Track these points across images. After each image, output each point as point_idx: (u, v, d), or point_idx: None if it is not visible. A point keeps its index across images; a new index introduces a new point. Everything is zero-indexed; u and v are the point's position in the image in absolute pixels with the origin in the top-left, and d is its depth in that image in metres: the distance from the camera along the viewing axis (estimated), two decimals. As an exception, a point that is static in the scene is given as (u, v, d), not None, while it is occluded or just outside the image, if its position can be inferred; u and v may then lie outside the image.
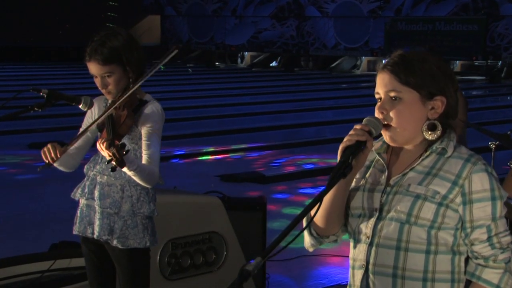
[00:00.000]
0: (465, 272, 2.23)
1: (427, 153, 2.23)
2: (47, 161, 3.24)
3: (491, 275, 2.18)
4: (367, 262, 2.23)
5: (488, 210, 2.16)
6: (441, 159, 2.21)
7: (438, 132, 2.21)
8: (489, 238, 2.17)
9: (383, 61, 2.29)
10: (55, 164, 3.31)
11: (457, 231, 2.18)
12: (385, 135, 2.23)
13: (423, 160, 2.23)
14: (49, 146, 3.23)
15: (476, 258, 2.20)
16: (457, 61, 26.04)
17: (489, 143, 4.72)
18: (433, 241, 2.17)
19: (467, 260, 2.23)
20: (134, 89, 3.28)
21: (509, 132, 4.55)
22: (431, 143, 2.23)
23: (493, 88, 23.25)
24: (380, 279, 2.20)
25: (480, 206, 2.16)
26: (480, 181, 2.16)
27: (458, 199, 2.16)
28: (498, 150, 4.74)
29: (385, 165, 2.28)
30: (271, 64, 30.43)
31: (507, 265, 2.19)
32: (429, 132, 2.21)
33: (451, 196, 2.16)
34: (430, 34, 25.44)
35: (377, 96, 2.24)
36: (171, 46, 31.88)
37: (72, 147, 3.41)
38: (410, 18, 26.30)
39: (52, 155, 3.22)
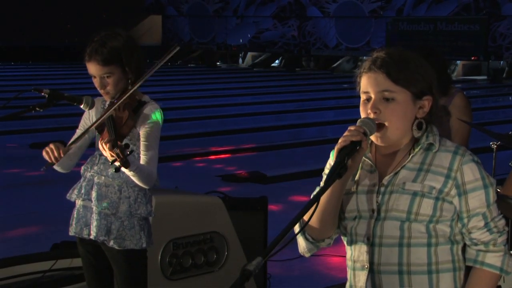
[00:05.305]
0: (464, 260, 2.28)
1: (416, 149, 2.26)
2: (50, 161, 3.25)
3: (494, 258, 2.25)
4: (371, 263, 2.24)
5: (482, 198, 2.23)
6: (429, 154, 2.26)
7: (422, 131, 2.27)
8: (486, 224, 2.24)
9: (366, 60, 2.26)
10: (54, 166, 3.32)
11: (453, 222, 2.24)
12: (376, 135, 2.23)
13: (413, 157, 2.26)
14: (52, 146, 3.24)
15: (476, 244, 2.26)
16: (458, 61, 25.99)
17: (491, 143, 4.71)
18: (432, 234, 2.22)
19: (463, 248, 2.28)
20: (134, 89, 3.29)
21: (510, 132, 4.55)
22: (416, 139, 2.28)
23: (495, 88, 23.23)
24: (387, 277, 2.23)
25: (475, 195, 2.22)
26: (471, 172, 2.22)
27: (453, 192, 2.22)
28: (499, 150, 4.75)
29: (373, 165, 2.29)
30: (272, 64, 30.41)
31: (505, 247, 2.26)
32: (418, 131, 2.26)
33: (446, 190, 2.21)
34: (431, 34, 25.42)
35: (365, 96, 2.24)
36: (172, 45, 32.14)
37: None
38: (411, 18, 26.28)
39: (56, 154, 3.23)
